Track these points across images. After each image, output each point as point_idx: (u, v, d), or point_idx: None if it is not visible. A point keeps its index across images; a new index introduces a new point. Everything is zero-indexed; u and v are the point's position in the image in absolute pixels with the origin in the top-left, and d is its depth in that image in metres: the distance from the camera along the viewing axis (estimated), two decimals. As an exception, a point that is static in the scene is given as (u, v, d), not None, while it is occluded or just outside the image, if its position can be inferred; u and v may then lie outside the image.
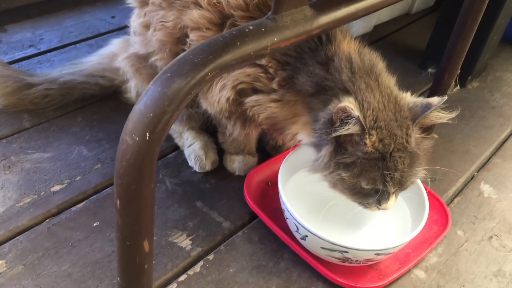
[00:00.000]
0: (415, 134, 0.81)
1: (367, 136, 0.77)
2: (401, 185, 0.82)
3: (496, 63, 1.72)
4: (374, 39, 1.75)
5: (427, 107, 0.80)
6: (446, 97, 0.80)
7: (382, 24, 1.84)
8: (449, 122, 0.82)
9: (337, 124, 0.76)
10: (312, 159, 0.85)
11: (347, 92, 0.80)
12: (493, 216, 1.11)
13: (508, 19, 1.54)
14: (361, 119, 0.75)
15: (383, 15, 1.84)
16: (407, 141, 0.79)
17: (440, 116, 0.82)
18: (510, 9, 1.49)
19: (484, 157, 1.28)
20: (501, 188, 1.19)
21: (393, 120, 0.79)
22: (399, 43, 1.77)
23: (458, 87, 1.55)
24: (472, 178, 1.21)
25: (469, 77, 1.55)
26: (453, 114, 0.82)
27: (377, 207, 0.84)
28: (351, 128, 0.75)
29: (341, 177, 0.81)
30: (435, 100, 0.80)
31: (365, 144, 0.77)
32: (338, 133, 0.76)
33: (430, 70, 1.57)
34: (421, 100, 0.82)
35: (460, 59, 1.17)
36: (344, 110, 0.75)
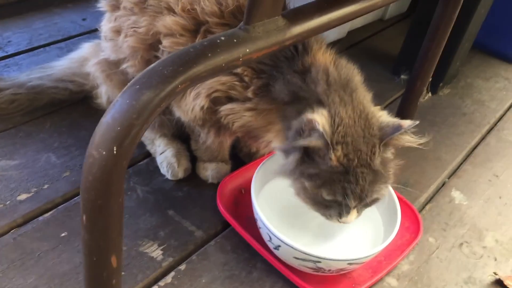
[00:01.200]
0: (383, 154, 0.81)
1: (331, 151, 0.77)
2: (361, 200, 0.81)
3: (467, 70, 1.75)
4: (347, 45, 1.76)
5: (397, 128, 0.80)
6: (417, 122, 0.80)
7: (355, 30, 1.85)
8: (420, 146, 0.82)
9: (305, 134, 0.76)
10: (281, 164, 0.85)
11: (321, 104, 0.80)
12: (463, 222, 1.12)
13: (479, 26, 1.57)
14: (326, 134, 0.75)
15: (357, 21, 1.85)
16: (371, 158, 0.79)
17: (409, 140, 0.82)
18: (481, 16, 1.51)
19: (455, 164, 1.30)
20: (471, 195, 1.20)
21: (361, 137, 0.79)
22: (372, 49, 1.78)
23: (430, 94, 1.57)
24: (443, 185, 1.23)
25: (441, 84, 1.57)
26: (423, 140, 0.82)
27: (338, 219, 0.84)
28: (313, 142, 0.76)
29: (303, 185, 0.81)
30: (406, 122, 0.80)
31: (330, 158, 0.77)
32: (299, 144, 0.77)
33: (403, 76, 1.58)
34: (394, 121, 0.82)
35: (432, 66, 1.18)
36: (310, 122, 0.75)
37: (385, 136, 0.81)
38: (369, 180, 0.80)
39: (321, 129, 0.74)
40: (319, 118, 0.76)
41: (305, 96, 0.82)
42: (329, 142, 0.76)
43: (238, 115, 0.89)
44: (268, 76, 0.86)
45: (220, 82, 0.87)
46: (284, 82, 0.84)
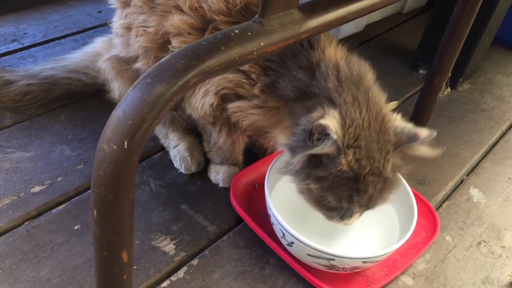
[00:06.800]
0: (395, 160, 0.79)
1: (343, 155, 0.74)
2: (366, 207, 0.80)
3: (488, 65, 1.71)
4: (365, 38, 1.73)
5: (413, 138, 0.77)
6: (435, 133, 0.77)
7: (373, 23, 1.82)
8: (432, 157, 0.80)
9: (315, 136, 0.74)
10: (286, 161, 0.82)
11: (332, 102, 0.77)
12: (481, 221, 1.10)
13: (500, 21, 1.53)
14: (339, 139, 0.72)
15: (374, 15, 1.82)
16: (383, 166, 0.77)
17: (424, 151, 0.78)
18: (502, 10, 1.48)
19: (473, 161, 1.27)
20: (490, 193, 1.18)
21: (375, 142, 0.76)
22: (390, 43, 1.75)
23: (449, 89, 1.53)
24: (461, 183, 1.20)
25: (460, 79, 1.54)
26: (437, 152, 0.79)
27: (339, 221, 0.82)
28: (326, 149, 0.73)
29: (309, 187, 0.79)
30: (423, 133, 0.77)
31: (340, 163, 0.74)
32: (312, 152, 0.74)
33: (421, 71, 1.55)
34: (410, 127, 0.79)
35: (452, 61, 1.16)
36: (324, 128, 0.72)
37: (400, 144, 0.78)
38: (379, 188, 0.78)
39: (334, 136, 0.71)
40: (331, 122, 0.72)
41: (315, 92, 0.79)
42: (341, 147, 0.73)
43: (245, 112, 0.88)
44: (275, 73, 0.84)
45: (227, 80, 0.86)
46: (289, 78, 0.82)
